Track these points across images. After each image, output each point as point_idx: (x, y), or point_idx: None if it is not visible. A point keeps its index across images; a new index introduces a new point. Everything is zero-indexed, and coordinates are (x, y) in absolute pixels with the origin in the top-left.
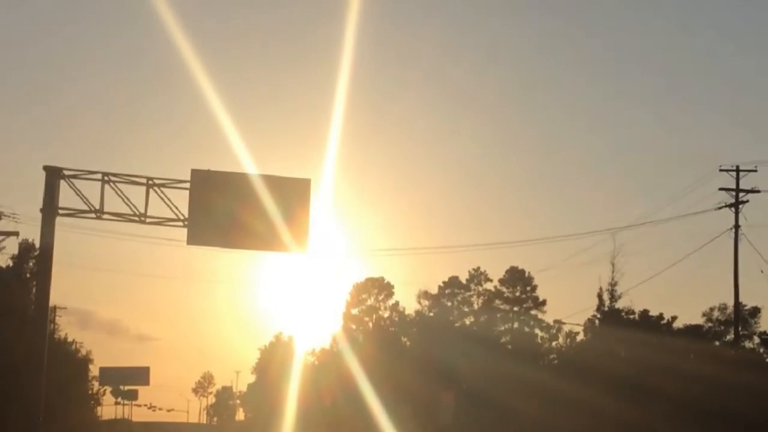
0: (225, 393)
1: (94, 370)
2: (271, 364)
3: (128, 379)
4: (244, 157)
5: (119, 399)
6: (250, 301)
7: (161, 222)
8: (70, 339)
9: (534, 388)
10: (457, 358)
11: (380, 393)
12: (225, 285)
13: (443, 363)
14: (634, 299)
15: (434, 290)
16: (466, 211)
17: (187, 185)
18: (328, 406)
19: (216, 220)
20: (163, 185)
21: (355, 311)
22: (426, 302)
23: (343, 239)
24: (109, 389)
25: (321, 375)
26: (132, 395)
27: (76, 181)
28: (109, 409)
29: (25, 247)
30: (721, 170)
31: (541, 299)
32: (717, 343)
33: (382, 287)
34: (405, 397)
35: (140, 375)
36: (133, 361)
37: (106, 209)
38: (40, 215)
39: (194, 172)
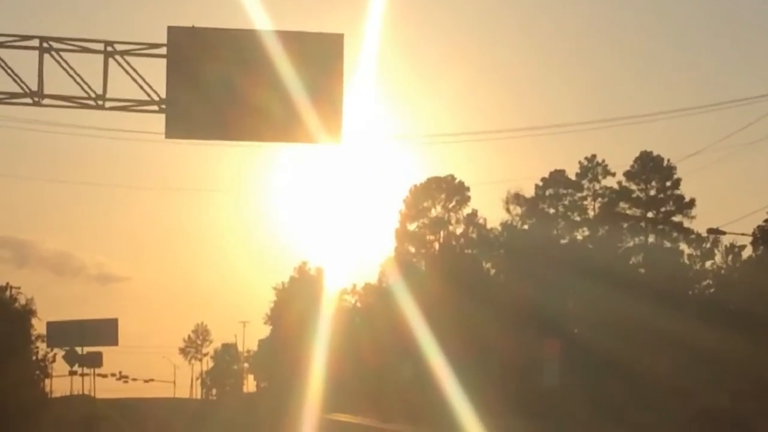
0: (227, 354)
1: (38, 327)
2: (291, 309)
3: (88, 338)
4: (247, 6)
5: (76, 367)
6: (259, 219)
7: (127, 107)
8: (2, 282)
9: (679, 333)
10: (565, 292)
11: (452, 347)
12: (222, 197)
13: (544, 300)
14: None
15: (529, 192)
16: (569, 78)
17: (164, 51)
18: (375, 368)
19: (207, 100)
20: (128, 53)
21: (412, 227)
22: (518, 210)
23: (393, 123)
24: (61, 353)
25: (364, 323)
26: (94, 360)
27: (2, 52)
28: (62, 381)
29: None
30: None
31: (687, 199)
32: None
33: (451, 190)
34: (489, 351)
35: (105, 331)
36: (93, 312)
37: (46, 91)
38: None
39: (173, 30)
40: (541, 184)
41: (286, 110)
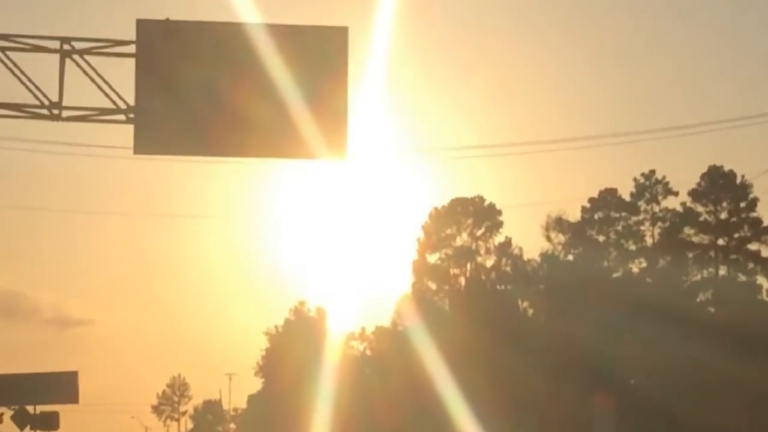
0: (209, 412)
1: None
2: (287, 358)
3: (42, 395)
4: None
5: (27, 430)
6: (249, 250)
7: (88, 116)
8: None
9: (758, 384)
10: (618, 336)
11: (482, 403)
12: (204, 223)
13: (593, 345)
14: None
15: (573, 215)
16: (618, 80)
17: (132, 49)
18: (390, 429)
19: (185, 108)
20: (89, 51)
21: (433, 258)
22: (560, 237)
23: (408, 134)
24: (9, 413)
25: (375, 375)
26: (49, 422)
27: None
28: None
29: None
30: None
31: (765, 224)
32: None
33: (480, 214)
34: (527, 407)
35: (62, 386)
36: (49, 363)
37: None
38: None
39: (143, 24)
40: (588, 206)
41: (280, 120)
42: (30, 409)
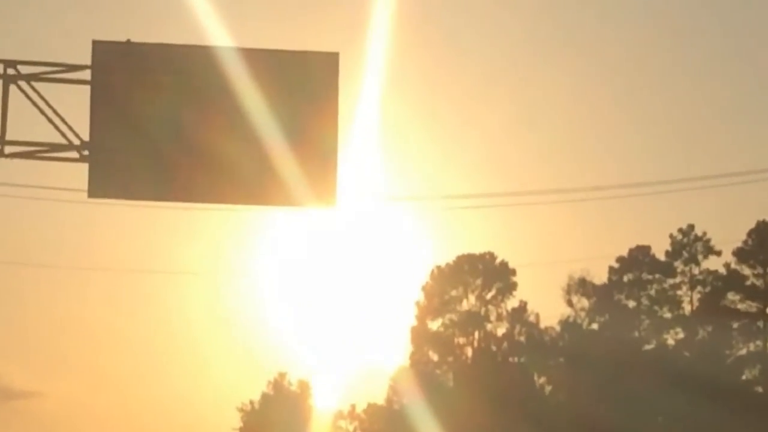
0: None
1: None
2: None
3: None
4: (204, 18)
5: None
6: (219, 312)
7: (35, 153)
8: None
9: None
10: (651, 417)
11: None
12: (164, 279)
13: (622, 426)
14: None
15: (599, 277)
16: (653, 121)
17: (87, 75)
18: None
19: (148, 144)
20: (37, 77)
21: (435, 325)
22: (583, 302)
23: (405, 180)
24: None
25: None
26: None
27: None
28: None
29: None
30: None
31: None
32: None
33: (490, 273)
34: None
35: None
36: None
37: None
38: None
39: (100, 46)
40: (616, 266)
41: (258, 160)
42: None
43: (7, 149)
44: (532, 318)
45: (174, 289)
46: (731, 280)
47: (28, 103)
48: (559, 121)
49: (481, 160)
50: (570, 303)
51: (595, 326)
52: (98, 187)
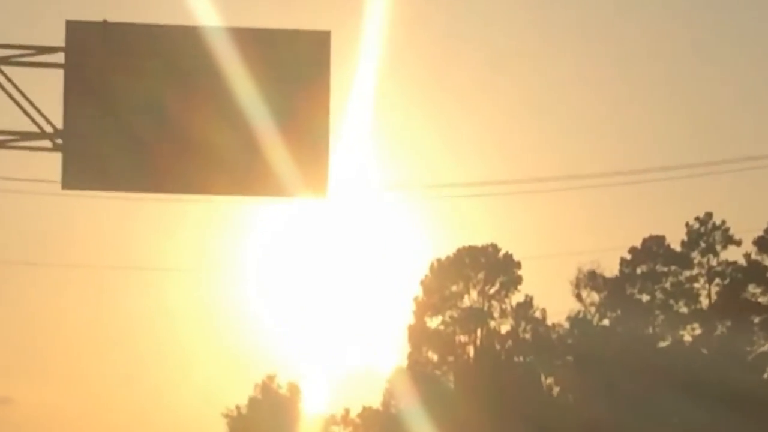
0: None
1: None
2: None
3: None
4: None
5: None
6: (204, 311)
7: (5, 141)
8: None
9: None
10: (666, 418)
11: None
12: (146, 276)
13: (634, 429)
14: None
15: (610, 269)
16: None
17: (61, 57)
18: None
19: (126, 131)
20: (7, 60)
21: (434, 322)
22: (594, 297)
23: (401, 168)
24: None
25: None
26: None
27: None
28: None
29: None
30: None
31: None
32: None
33: (493, 266)
34: None
35: None
36: None
37: None
38: None
39: (74, 26)
40: (628, 257)
41: (245, 147)
42: None
43: None
44: (538, 314)
45: (156, 287)
46: (752, 271)
47: None
48: (565, 103)
49: (483, 145)
50: (579, 298)
51: (606, 322)
52: (73, 178)
